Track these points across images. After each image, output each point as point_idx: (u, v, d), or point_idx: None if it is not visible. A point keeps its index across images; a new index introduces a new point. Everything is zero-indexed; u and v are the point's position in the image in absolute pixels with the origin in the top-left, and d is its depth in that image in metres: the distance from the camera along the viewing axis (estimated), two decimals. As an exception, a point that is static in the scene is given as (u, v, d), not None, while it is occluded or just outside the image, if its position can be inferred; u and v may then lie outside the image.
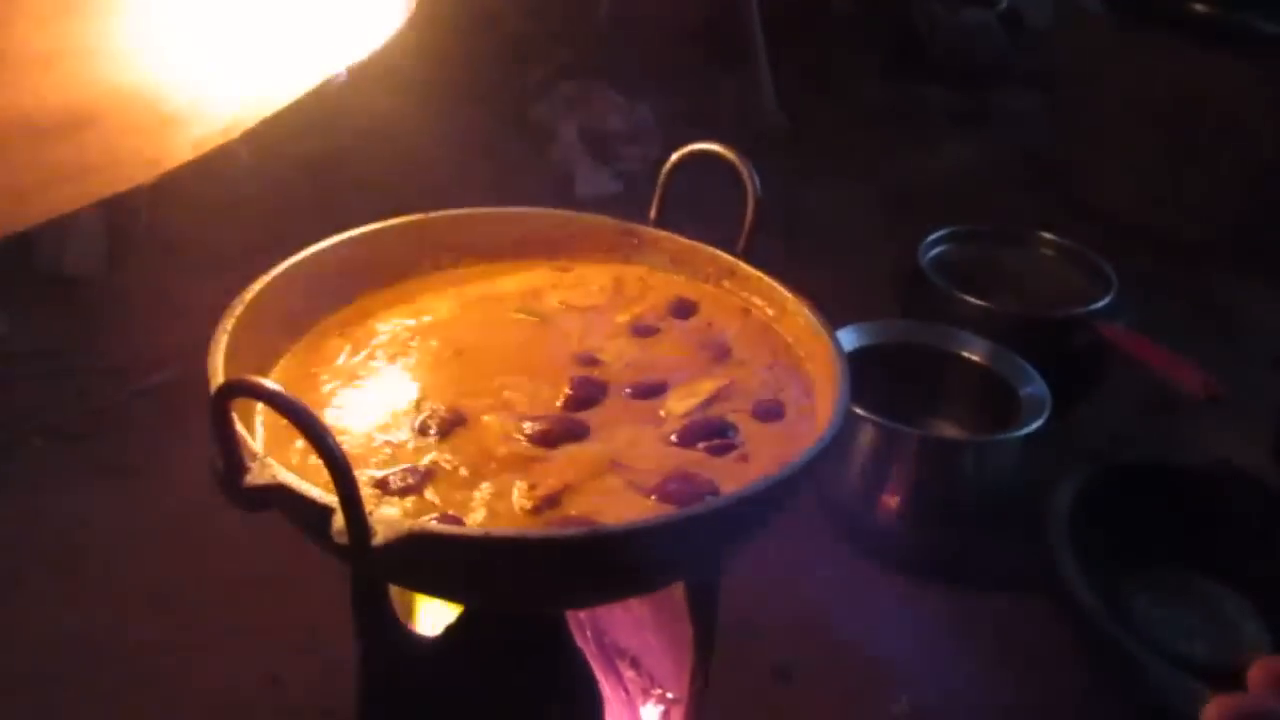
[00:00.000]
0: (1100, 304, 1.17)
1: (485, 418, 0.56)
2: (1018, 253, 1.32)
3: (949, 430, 1.09)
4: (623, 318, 0.66)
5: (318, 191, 1.48)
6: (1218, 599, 0.96)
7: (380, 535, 0.43)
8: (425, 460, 0.53)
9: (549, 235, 0.71)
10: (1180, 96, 1.58)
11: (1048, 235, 1.31)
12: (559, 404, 0.58)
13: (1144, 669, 0.81)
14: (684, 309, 0.67)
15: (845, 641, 0.94)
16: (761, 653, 0.91)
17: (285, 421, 0.41)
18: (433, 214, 0.69)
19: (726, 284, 0.68)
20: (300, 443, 0.52)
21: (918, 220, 1.32)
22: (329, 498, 0.43)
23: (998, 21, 2.19)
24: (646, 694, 0.76)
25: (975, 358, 1.09)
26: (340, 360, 0.61)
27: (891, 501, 1.00)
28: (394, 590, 0.59)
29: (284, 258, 0.62)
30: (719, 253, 0.69)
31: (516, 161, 1.72)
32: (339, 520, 0.43)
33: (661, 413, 0.58)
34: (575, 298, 0.68)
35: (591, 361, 0.62)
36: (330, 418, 0.56)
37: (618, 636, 0.78)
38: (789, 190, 1.64)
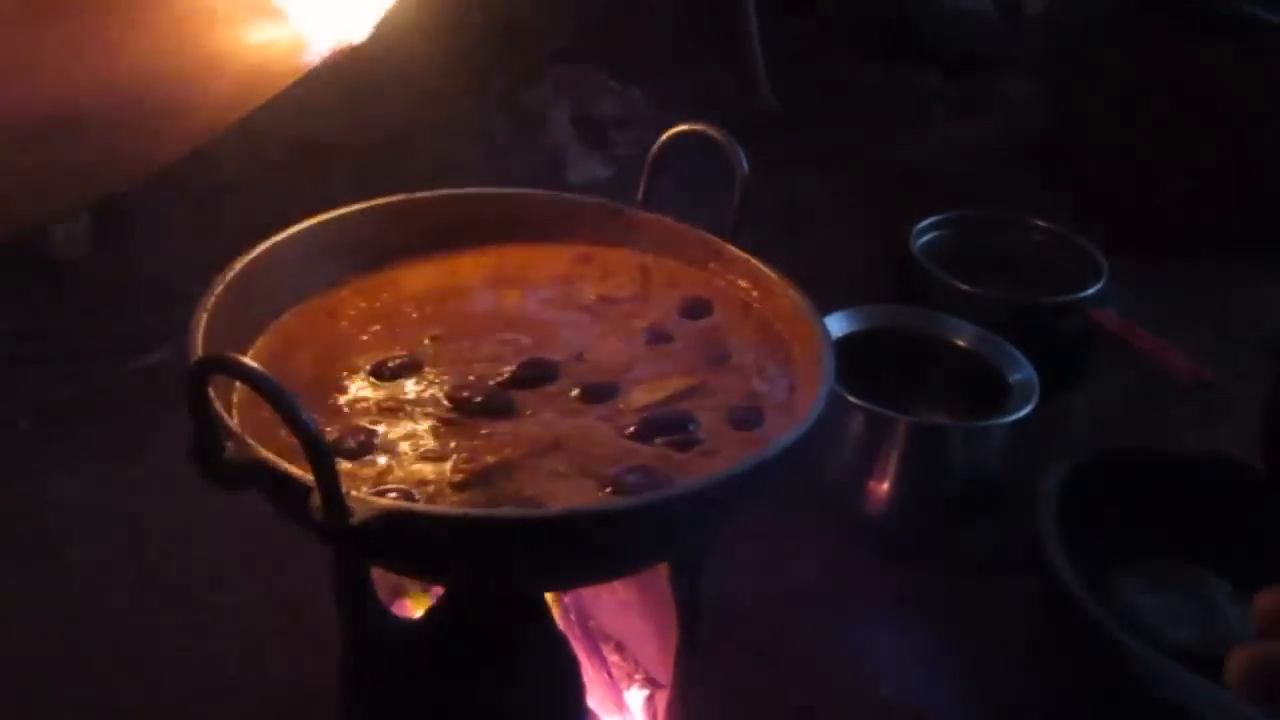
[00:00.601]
0: (1091, 290, 1.17)
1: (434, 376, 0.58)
2: (1010, 239, 1.32)
3: (938, 416, 1.09)
4: (639, 322, 0.65)
5: (307, 174, 1.47)
6: (1203, 585, 0.96)
7: (358, 515, 0.43)
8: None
9: (534, 215, 0.71)
10: (1175, 83, 1.58)
11: (1040, 222, 1.31)
12: (496, 381, 0.58)
13: (1130, 654, 0.81)
14: (698, 309, 0.66)
15: (832, 626, 0.94)
16: (747, 637, 0.91)
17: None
18: (416, 194, 0.69)
19: (713, 266, 0.68)
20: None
21: (910, 206, 1.32)
22: (306, 476, 0.43)
23: (993, 7, 2.19)
24: (631, 678, 0.76)
25: (965, 344, 1.08)
26: (324, 340, 0.61)
27: (880, 486, 1.01)
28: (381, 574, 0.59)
29: (269, 238, 0.61)
30: (706, 235, 0.68)
31: (508, 146, 1.71)
32: (316, 499, 0.42)
33: (621, 405, 0.57)
34: (609, 288, 0.68)
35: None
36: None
37: (602, 621, 0.78)
38: (781, 175, 1.64)
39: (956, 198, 1.34)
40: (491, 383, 0.58)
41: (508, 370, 0.59)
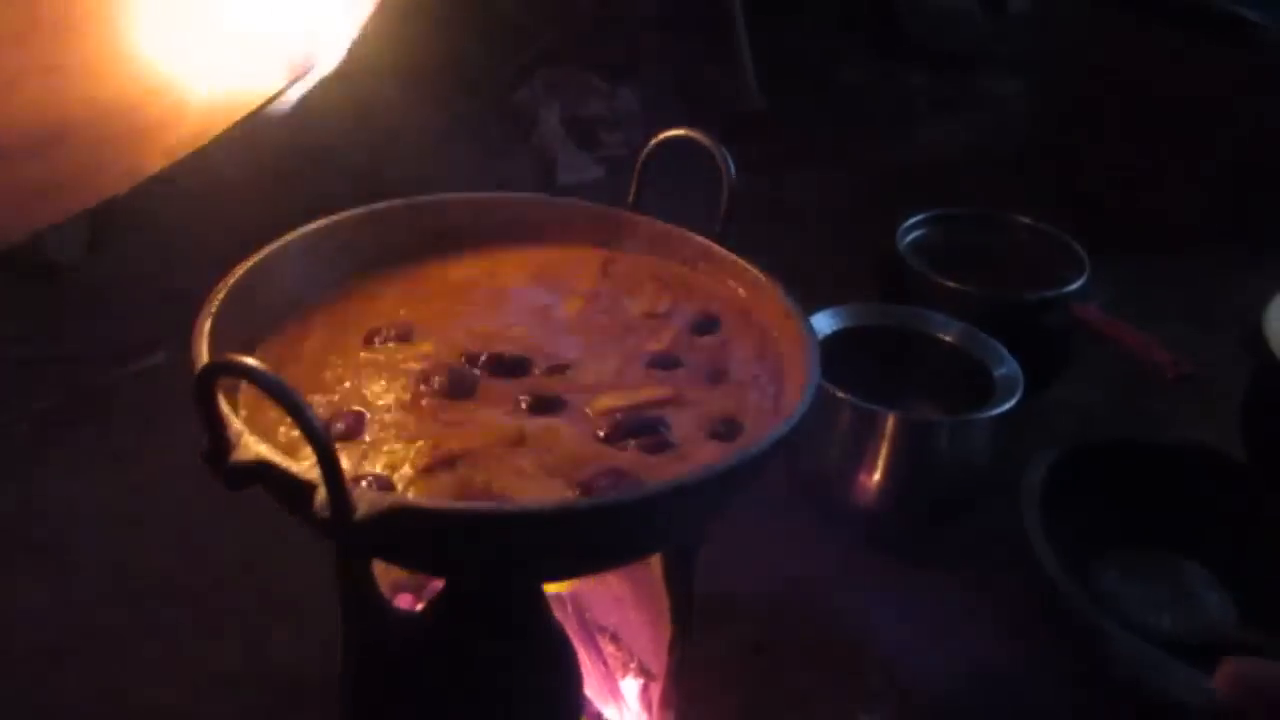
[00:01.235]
0: (1074, 286, 1.19)
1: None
2: (995, 236, 1.34)
3: (925, 410, 1.10)
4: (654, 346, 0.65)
5: (300, 178, 1.48)
6: (1184, 573, 0.98)
7: (362, 510, 0.44)
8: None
9: (527, 219, 0.72)
10: (1160, 80, 1.60)
11: (1024, 219, 1.33)
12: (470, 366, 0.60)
13: (1113, 642, 0.83)
14: (707, 324, 0.66)
15: (822, 617, 0.95)
16: (739, 629, 0.93)
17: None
18: (417, 199, 0.70)
19: (702, 266, 0.70)
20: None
21: (897, 204, 1.33)
22: (311, 473, 0.44)
23: (978, 5, 2.20)
24: (626, 668, 0.77)
25: (950, 339, 1.10)
26: (326, 340, 0.62)
27: (868, 480, 1.02)
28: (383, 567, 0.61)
29: (267, 243, 0.63)
30: (694, 236, 0.70)
31: (499, 147, 1.72)
32: (321, 496, 0.44)
33: (587, 410, 0.57)
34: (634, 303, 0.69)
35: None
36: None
37: (598, 613, 0.80)
38: (769, 174, 1.65)
39: (942, 195, 1.36)
40: (475, 370, 0.59)
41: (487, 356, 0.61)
